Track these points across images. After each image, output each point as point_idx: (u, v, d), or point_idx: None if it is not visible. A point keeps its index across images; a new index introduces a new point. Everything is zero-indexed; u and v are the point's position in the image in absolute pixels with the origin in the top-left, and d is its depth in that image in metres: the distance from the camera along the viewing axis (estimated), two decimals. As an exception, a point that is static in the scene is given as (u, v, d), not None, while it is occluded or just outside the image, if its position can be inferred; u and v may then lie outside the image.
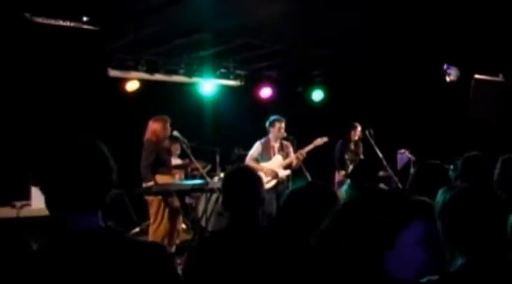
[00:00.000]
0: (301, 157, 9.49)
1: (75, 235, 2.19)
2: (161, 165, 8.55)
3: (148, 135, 8.62)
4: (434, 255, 2.26)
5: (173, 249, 8.63)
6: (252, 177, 3.77)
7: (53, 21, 7.27)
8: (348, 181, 8.79)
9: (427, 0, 7.95)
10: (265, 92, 13.05)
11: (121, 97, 11.06)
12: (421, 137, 11.14)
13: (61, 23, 7.27)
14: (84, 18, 7.44)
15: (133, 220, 10.51)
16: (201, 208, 10.16)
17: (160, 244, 2.63)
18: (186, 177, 10.54)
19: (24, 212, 7.33)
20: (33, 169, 2.31)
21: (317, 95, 13.46)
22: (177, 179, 10.10)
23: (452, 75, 10.89)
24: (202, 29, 9.10)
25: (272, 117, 9.64)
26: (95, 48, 9.21)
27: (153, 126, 8.64)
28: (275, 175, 9.33)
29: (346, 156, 10.91)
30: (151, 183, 8.31)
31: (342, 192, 6.09)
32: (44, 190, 2.26)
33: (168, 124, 8.65)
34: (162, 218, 8.36)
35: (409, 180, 4.37)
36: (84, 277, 2.12)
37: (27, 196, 7.50)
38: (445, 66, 10.90)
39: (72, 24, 7.38)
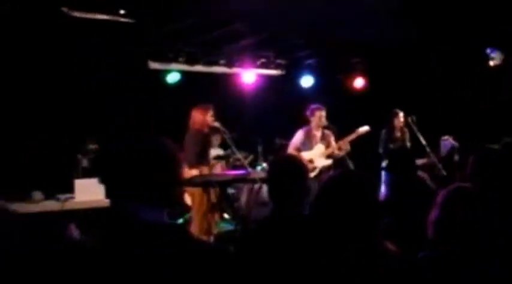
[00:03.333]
0: (343, 148, 9.44)
1: (142, 227, 2.19)
2: (200, 155, 8.54)
3: (190, 124, 8.62)
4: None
5: (211, 239, 8.57)
6: (299, 166, 3.76)
7: (90, 15, 7.32)
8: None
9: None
10: (306, 81, 12.97)
11: (162, 89, 11.07)
12: (464, 123, 10.97)
13: (98, 16, 7.31)
14: (121, 11, 7.44)
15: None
16: (243, 198, 10.18)
17: (226, 249, 2.59)
18: (228, 167, 10.53)
19: (69, 205, 7.42)
20: (100, 161, 2.35)
21: (358, 83, 13.34)
22: (219, 169, 10.11)
23: (496, 58, 10.70)
24: (238, 19, 9.05)
25: (312, 106, 9.64)
26: (133, 40, 9.32)
27: (194, 115, 8.62)
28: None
29: (392, 145, 10.75)
30: (195, 173, 8.28)
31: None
32: (108, 182, 2.28)
33: (209, 113, 8.59)
34: (204, 209, 8.32)
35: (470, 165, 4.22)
36: (150, 272, 2.10)
37: (70, 189, 7.60)
38: (488, 50, 10.71)
39: (109, 17, 7.42)
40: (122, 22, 7.62)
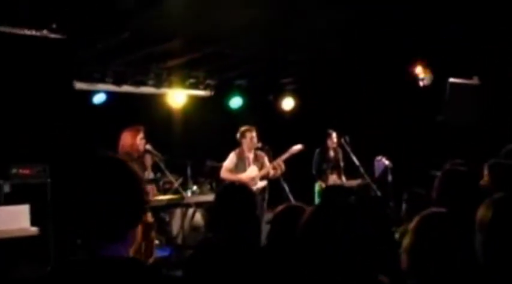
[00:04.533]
0: (278, 167, 9.28)
1: (92, 262, 2.04)
2: None
3: (120, 147, 8.17)
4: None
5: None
6: (250, 195, 3.60)
7: (17, 30, 6.88)
8: None
9: (398, 2, 7.79)
10: (236, 102, 12.78)
11: (88, 110, 10.71)
12: (397, 143, 11.00)
13: (26, 31, 6.88)
14: (50, 28, 7.02)
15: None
16: (175, 222, 9.86)
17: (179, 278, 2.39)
18: (159, 191, 10.19)
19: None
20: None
21: (287, 103, 13.19)
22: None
23: (425, 79, 10.75)
24: (171, 37, 8.77)
25: (242, 128, 9.48)
26: (59, 59, 8.91)
27: (124, 138, 8.19)
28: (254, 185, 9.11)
29: (325, 165, 10.67)
30: None
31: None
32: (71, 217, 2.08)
33: (139, 135, 8.19)
34: (142, 232, 7.91)
35: (436, 188, 4.05)
36: None
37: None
38: (417, 70, 10.76)
39: (37, 33, 6.98)
40: (47, 39, 7.19)
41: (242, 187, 3.80)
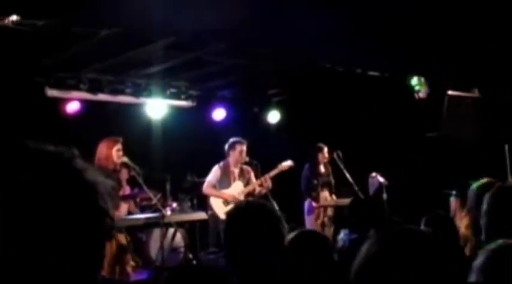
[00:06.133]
0: (265, 185, 8.71)
1: None
2: None
3: (96, 159, 7.61)
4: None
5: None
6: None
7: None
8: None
9: (393, 11, 7.31)
10: (219, 113, 12.11)
11: (61, 120, 10.04)
12: (392, 159, 10.60)
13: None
14: (14, 17, 6.22)
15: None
16: (153, 242, 9.15)
17: None
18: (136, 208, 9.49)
19: None
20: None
21: (273, 116, 12.61)
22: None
23: (421, 92, 10.27)
24: (152, 39, 8.12)
25: (232, 139, 8.92)
26: (29, 63, 8.29)
27: (99, 149, 7.67)
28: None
29: (315, 181, 10.08)
30: None
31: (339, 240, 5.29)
32: None
33: (116, 147, 7.64)
34: (114, 253, 7.33)
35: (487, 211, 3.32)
36: None
37: None
38: (412, 82, 10.29)
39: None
40: (16, 36, 6.44)
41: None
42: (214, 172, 8.93)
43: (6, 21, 6.05)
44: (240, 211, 2.95)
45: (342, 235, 5.07)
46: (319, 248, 2.85)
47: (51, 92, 9.46)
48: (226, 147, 8.94)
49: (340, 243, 5.02)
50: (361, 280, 1.72)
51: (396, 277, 1.65)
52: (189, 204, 10.10)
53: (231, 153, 8.87)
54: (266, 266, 2.63)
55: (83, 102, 10.08)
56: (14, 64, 8.21)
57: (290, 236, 2.90)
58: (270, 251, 2.66)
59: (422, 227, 4.35)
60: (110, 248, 7.32)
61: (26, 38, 6.81)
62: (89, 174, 1.24)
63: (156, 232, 8.65)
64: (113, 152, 7.61)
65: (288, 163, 9.19)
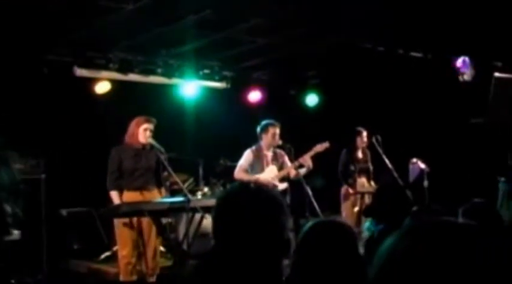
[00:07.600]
0: (306, 164, 8.43)
1: None
2: (130, 175, 7.37)
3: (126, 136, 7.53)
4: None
5: (153, 279, 7.42)
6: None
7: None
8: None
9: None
10: (254, 96, 11.84)
11: (90, 100, 9.92)
12: (434, 144, 10.22)
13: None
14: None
15: (103, 242, 9.30)
16: (181, 228, 8.90)
17: None
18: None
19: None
20: None
21: (311, 99, 12.36)
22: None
23: (466, 74, 9.79)
24: (182, 15, 7.79)
25: (265, 122, 8.58)
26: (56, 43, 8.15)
27: (129, 126, 7.51)
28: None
29: (352, 167, 9.75)
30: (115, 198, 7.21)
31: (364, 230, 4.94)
32: None
33: (144, 125, 7.41)
34: (128, 243, 7.22)
35: None
36: None
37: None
38: (458, 64, 9.81)
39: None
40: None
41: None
42: (247, 156, 8.59)
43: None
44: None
45: (368, 224, 4.68)
46: (339, 240, 2.57)
47: (80, 72, 9.32)
48: (258, 129, 8.58)
49: (366, 234, 4.66)
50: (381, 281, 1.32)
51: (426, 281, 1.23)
52: (221, 188, 9.87)
53: (264, 136, 8.51)
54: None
55: (113, 82, 9.92)
56: (39, 42, 8.07)
57: (306, 226, 2.59)
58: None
59: (460, 218, 3.91)
60: (132, 235, 7.20)
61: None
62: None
63: (185, 218, 8.43)
64: (139, 130, 7.38)
65: (324, 145, 8.75)
